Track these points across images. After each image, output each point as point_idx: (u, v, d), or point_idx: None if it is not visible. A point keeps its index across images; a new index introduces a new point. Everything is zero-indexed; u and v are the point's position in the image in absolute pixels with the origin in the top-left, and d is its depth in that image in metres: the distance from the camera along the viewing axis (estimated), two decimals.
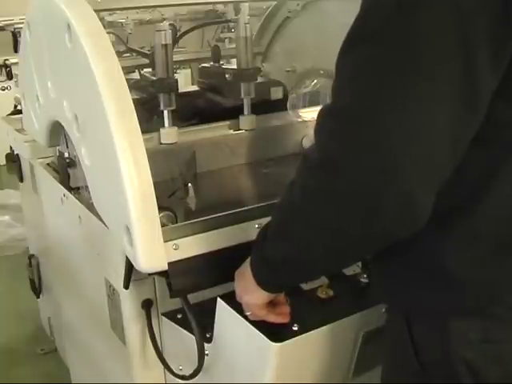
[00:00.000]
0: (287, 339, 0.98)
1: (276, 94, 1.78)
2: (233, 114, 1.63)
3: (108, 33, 1.15)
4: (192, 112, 1.68)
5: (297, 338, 0.99)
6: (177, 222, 1.14)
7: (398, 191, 0.70)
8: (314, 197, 0.77)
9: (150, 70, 1.82)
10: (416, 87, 0.68)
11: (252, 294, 0.94)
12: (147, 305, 1.18)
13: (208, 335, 1.10)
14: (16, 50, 3.76)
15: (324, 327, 1.02)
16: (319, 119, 0.76)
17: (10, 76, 4.20)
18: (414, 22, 0.67)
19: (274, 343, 0.97)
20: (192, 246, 1.10)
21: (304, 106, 1.68)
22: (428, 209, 0.72)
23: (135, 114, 1.00)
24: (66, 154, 1.44)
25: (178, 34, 1.77)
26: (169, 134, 1.51)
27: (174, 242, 1.08)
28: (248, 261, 0.93)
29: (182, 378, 1.16)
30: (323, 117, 0.76)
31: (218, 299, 1.05)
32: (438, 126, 0.68)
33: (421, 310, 0.85)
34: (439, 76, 0.67)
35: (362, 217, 0.73)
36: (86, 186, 1.24)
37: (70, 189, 1.45)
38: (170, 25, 1.57)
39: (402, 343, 0.87)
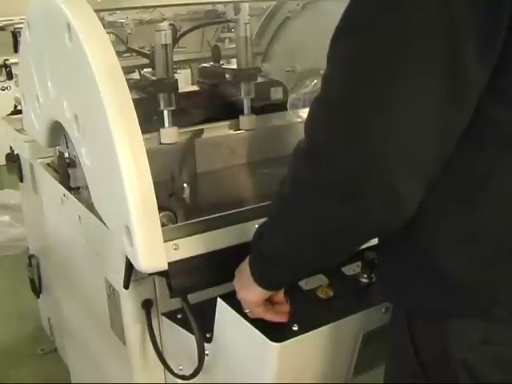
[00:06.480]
0: (287, 339, 0.98)
1: (276, 94, 1.78)
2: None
3: (108, 33, 1.15)
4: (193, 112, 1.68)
5: (297, 337, 0.99)
6: (177, 222, 1.14)
7: (380, 180, 0.70)
8: (299, 186, 0.78)
9: (150, 69, 1.82)
10: (402, 77, 0.68)
11: (249, 290, 0.94)
12: (147, 305, 1.18)
13: (208, 335, 1.10)
14: (16, 50, 3.75)
15: (324, 327, 1.02)
16: (310, 109, 0.77)
17: (10, 76, 4.19)
18: (402, 13, 0.67)
19: (273, 343, 0.97)
20: (192, 246, 1.10)
21: (304, 106, 1.68)
22: (413, 200, 0.72)
23: (135, 114, 1.00)
24: (66, 154, 1.44)
25: (178, 34, 1.77)
26: (169, 133, 1.51)
27: (174, 241, 1.08)
28: (248, 258, 0.94)
29: (182, 378, 1.16)
30: (312, 107, 0.77)
31: (218, 299, 1.05)
32: (421, 117, 0.69)
33: (421, 310, 0.85)
34: (425, 67, 0.68)
35: (344, 206, 0.73)
36: (86, 186, 1.24)
37: (69, 189, 1.45)
38: (170, 25, 1.57)
39: (403, 343, 0.87)
